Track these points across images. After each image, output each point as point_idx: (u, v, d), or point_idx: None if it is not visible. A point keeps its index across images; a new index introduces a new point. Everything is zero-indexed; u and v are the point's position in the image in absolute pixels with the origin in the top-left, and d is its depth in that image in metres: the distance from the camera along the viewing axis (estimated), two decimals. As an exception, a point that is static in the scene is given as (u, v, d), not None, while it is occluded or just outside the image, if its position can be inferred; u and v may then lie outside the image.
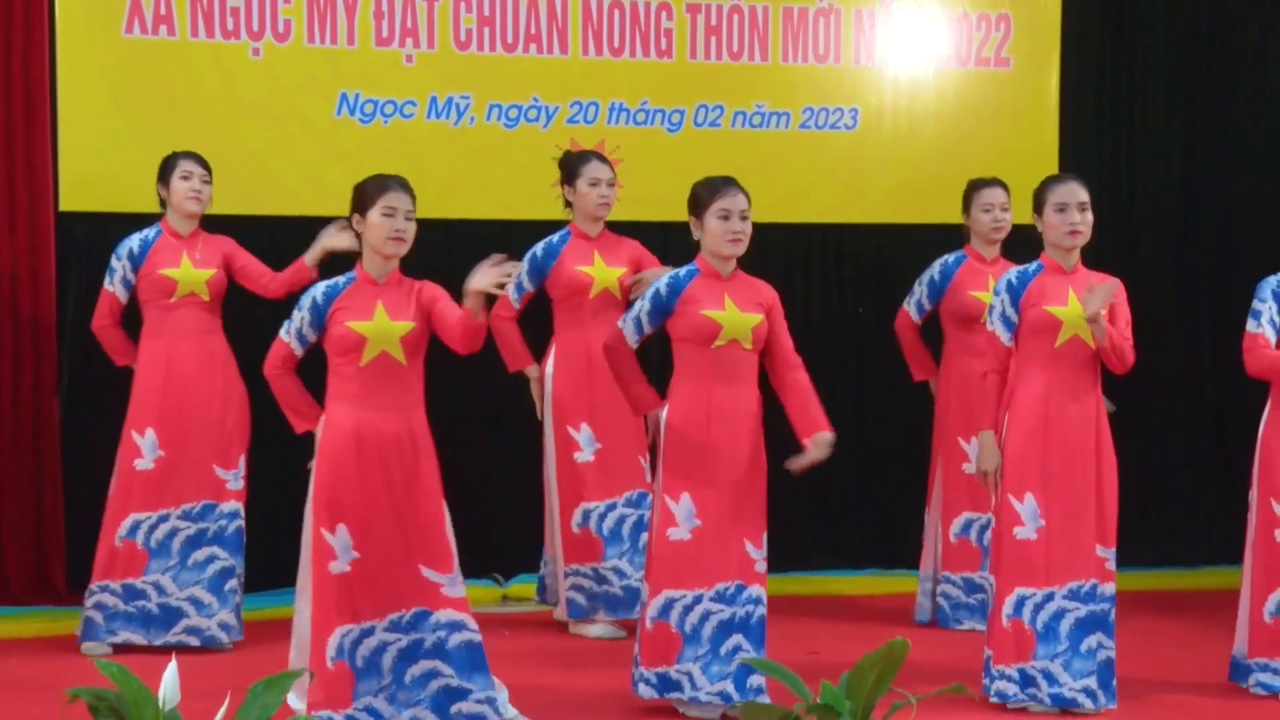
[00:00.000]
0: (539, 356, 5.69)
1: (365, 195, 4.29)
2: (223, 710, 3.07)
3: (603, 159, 5.62)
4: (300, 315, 4.28)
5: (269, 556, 5.75)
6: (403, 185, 4.30)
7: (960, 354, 5.64)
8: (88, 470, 5.84)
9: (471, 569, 6.27)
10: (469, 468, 6.39)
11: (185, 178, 5.34)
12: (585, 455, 5.52)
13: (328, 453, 4.21)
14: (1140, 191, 6.90)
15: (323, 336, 4.28)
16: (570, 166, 5.61)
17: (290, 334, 4.31)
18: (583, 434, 5.53)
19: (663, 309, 4.57)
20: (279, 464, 5.91)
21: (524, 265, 5.57)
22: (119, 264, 5.36)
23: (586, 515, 5.53)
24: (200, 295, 5.30)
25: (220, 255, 5.39)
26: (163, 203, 5.40)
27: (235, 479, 5.32)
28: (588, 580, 5.53)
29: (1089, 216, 4.68)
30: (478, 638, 4.26)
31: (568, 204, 5.64)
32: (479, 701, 4.23)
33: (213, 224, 5.92)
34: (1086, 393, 4.64)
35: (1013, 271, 4.77)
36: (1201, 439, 6.96)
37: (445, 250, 6.36)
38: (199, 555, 5.26)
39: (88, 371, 5.84)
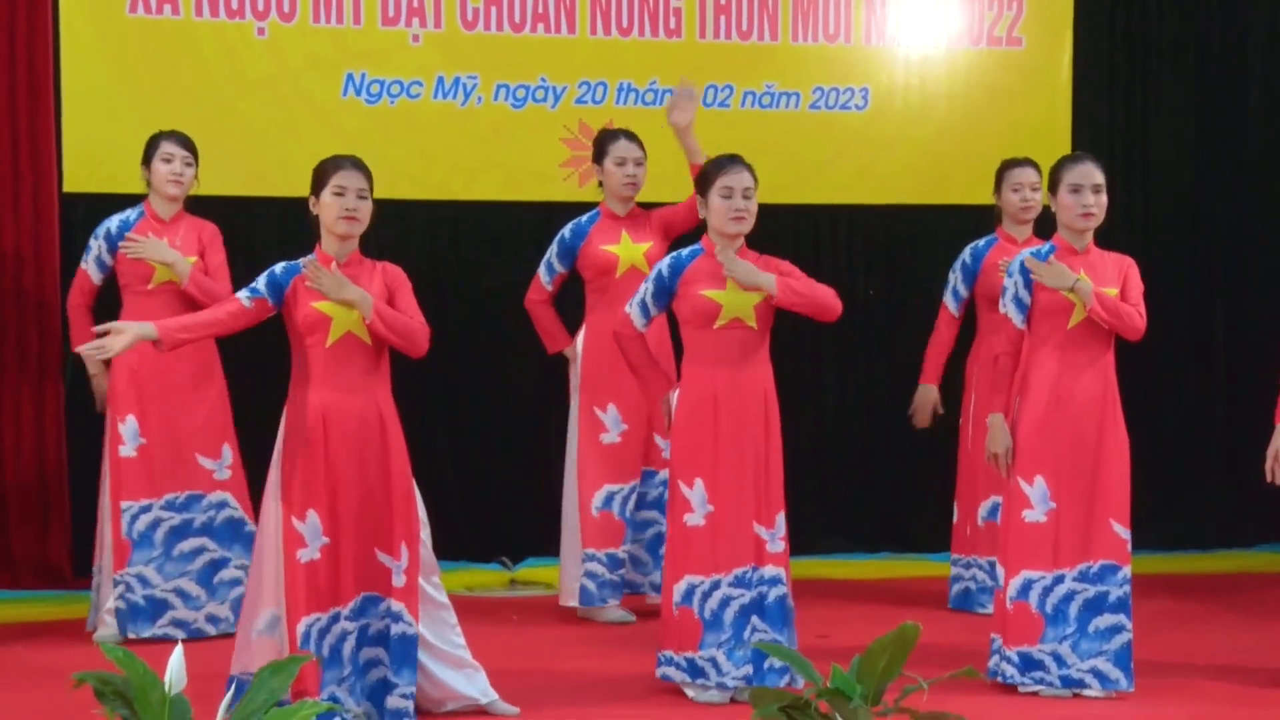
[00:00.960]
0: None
1: (319, 176, 4.23)
2: (229, 695, 3.05)
3: (632, 137, 5.54)
4: (264, 282, 4.16)
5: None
6: (356, 164, 4.22)
7: (993, 334, 5.59)
8: (92, 452, 5.82)
9: (480, 553, 6.29)
10: (477, 452, 6.37)
11: (167, 160, 5.22)
12: (611, 436, 5.48)
13: (296, 438, 4.14)
14: (1153, 170, 6.84)
15: (283, 313, 4.19)
16: (600, 145, 5.57)
17: (243, 292, 4.17)
18: (609, 415, 5.48)
19: (665, 290, 4.53)
20: (258, 452, 5.88)
21: (554, 247, 5.55)
22: (95, 243, 5.26)
23: (610, 498, 5.49)
24: (179, 283, 5.16)
25: (199, 243, 5.26)
26: (147, 184, 5.29)
27: (221, 469, 5.23)
28: (602, 567, 5.48)
29: (1103, 199, 4.63)
30: (413, 630, 4.19)
31: (599, 183, 5.59)
32: (402, 696, 4.19)
33: (218, 205, 5.88)
34: (1098, 374, 4.60)
35: (1025, 252, 4.73)
36: (1214, 420, 6.91)
37: (450, 231, 6.35)
38: (184, 546, 5.17)
39: (92, 354, 5.81)
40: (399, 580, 4.17)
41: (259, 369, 5.54)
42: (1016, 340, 4.64)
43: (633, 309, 4.59)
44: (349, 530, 4.15)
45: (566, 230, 5.56)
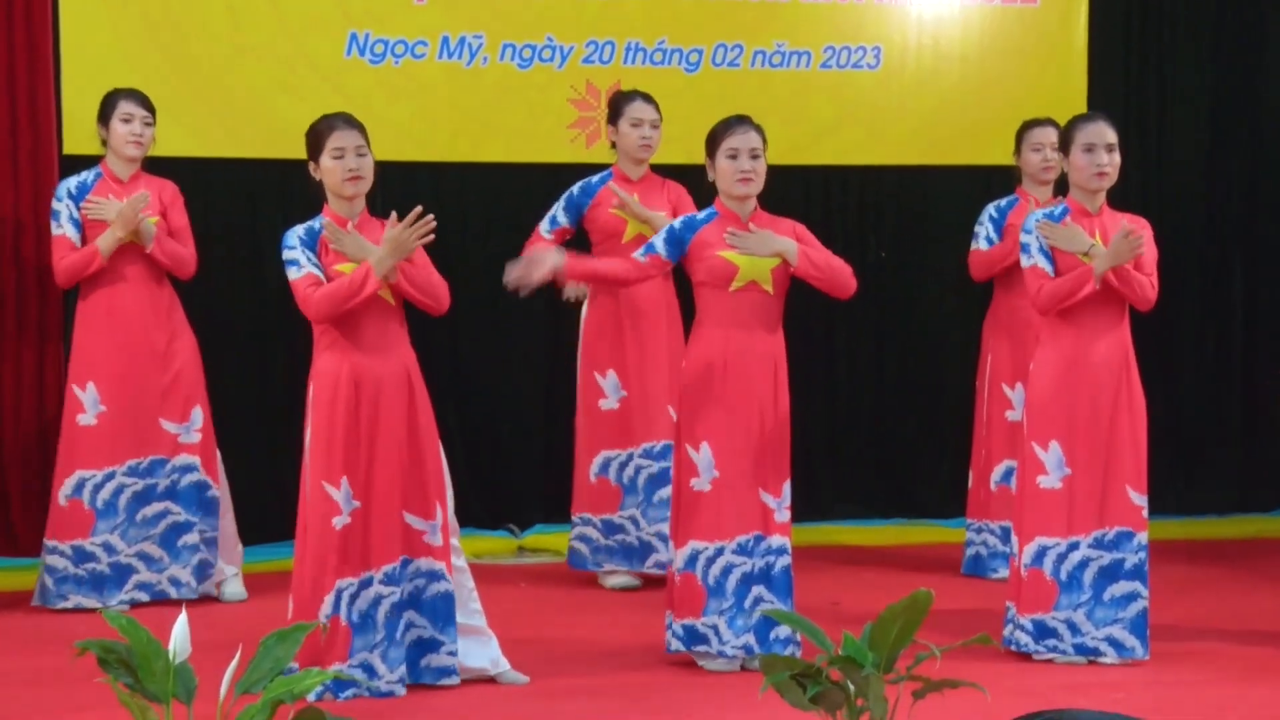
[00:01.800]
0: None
1: (314, 140, 4.20)
2: (234, 663, 3.01)
3: (648, 99, 5.47)
4: (304, 255, 4.12)
5: (265, 509, 5.66)
6: (348, 122, 4.19)
7: (1010, 294, 5.53)
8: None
9: (487, 520, 6.25)
10: (483, 419, 6.33)
11: (126, 120, 5.11)
12: (610, 402, 5.44)
13: (326, 403, 4.12)
14: (1169, 130, 6.76)
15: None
16: (615, 106, 5.50)
17: (313, 270, 4.11)
18: (609, 381, 5.45)
19: (676, 239, 4.44)
20: (263, 416, 5.83)
21: (561, 201, 5.50)
22: (63, 205, 5.11)
23: (606, 464, 5.45)
24: (144, 246, 5.05)
25: (160, 203, 5.15)
26: (103, 143, 5.18)
27: (188, 432, 5.15)
28: (594, 531, 5.46)
29: (1116, 158, 4.57)
30: (451, 588, 4.20)
31: (613, 145, 5.52)
32: (449, 654, 4.20)
33: (220, 167, 5.82)
34: (1115, 339, 4.54)
35: (1038, 212, 4.68)
36: (1231, 385, 6.85)
37: (457, 193, 6.28)
38: (148, 511, 5.11)
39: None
40: (435, 539, 4.18)
41: (226, 330, 5.55)
42: (1044, 279, 4.51)
43: (639, 253, 4.52)
44: (381, 493, 4.14)
45: (576, 187, 5.51)
